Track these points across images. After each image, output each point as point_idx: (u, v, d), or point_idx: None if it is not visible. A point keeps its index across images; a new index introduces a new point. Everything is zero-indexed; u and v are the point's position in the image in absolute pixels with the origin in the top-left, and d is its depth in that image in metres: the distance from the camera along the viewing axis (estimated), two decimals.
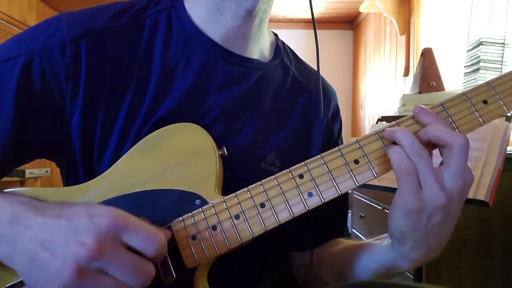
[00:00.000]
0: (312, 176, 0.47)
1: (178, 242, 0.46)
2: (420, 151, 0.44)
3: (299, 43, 3.34)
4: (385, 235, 0.55)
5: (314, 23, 0.62)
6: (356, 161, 0.47)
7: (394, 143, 0.46)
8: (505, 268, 1.16)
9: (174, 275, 0.44)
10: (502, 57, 1.62)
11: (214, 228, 0.46)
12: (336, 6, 3.72)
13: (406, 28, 2.77)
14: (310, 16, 0.55)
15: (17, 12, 3.29)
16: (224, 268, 0.49)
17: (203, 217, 0.47)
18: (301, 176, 0.47)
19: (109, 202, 0.48)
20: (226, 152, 0.50)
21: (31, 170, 2.91)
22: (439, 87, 1.73)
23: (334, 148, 0.48)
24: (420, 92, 1.73)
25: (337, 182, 0.46)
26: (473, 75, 1.67)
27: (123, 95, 0.53)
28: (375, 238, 0.59)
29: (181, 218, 0.47)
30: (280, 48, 0.67)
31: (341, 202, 0.71)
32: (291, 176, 0.47)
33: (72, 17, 0.54)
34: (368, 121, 3.55)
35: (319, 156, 0.48)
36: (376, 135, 0.47)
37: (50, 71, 0.51)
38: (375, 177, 0.47)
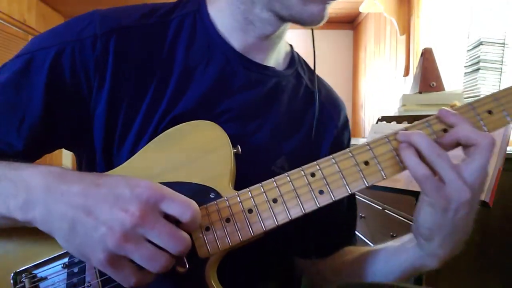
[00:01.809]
0: (323, 175, 0.48)
1: (192, 232, 0.47)
2: (440, 152, 0.45)
3: (298, 43, 3.33)
4: (405, 237, 0.57)
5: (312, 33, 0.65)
6: (366, 163, 0.49)
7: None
8: (503, 269, 1.16)
9: (187, 265, 0.45)
10: (502, 57, 1.62)
11: (227, 220, 0.48)
12: (336, 6, 3.72)
13: (406, 28, 2.77)
14: None
15: (17, 12, 3.29)
16: (230, 271, 0.50)
17: (217, 209, 0.48)
18: (312, 175, 0.48)
19: None
20: (240, 151, 0.52)
21: None
22: (439, 87, 1.73)
23: (345, 150, 0.50)
24: (420, 92, 1.73)
25: (348, 181, 0.48)
26: (473, 75, 1.67)
27: (145, 89, 0.56)
28: (391, 241, 0.61)
29: None
30: (295, 58, 0.70)
31: (351, 210, 0.74)
32: (303, 174, 0.49)
33: (105, 13, 0.57)
34: (368, 121, 3.55)
35: (331, 156, 0.49)
36: (386, 138, 0.49)
37: (80, 62, 0.54)
38: (384, 179, 0.48)
